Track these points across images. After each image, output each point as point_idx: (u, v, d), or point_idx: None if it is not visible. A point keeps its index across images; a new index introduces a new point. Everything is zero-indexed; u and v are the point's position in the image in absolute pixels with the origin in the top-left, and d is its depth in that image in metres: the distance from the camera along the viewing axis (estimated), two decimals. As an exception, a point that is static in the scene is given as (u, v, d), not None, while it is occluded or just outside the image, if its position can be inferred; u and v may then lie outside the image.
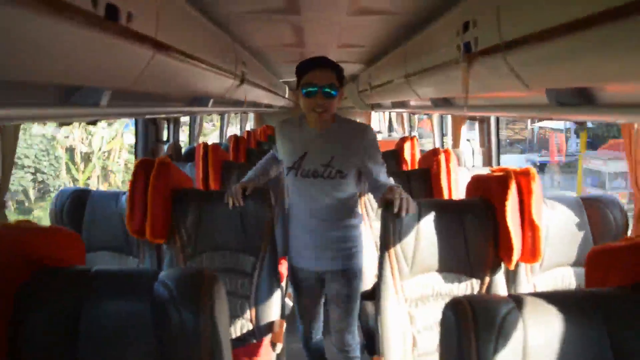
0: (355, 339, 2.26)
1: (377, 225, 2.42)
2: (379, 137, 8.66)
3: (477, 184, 2.17)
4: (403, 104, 3.56)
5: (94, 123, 1.77)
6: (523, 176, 1.99)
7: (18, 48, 0.89)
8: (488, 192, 2.05)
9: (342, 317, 2.22)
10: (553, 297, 1.14)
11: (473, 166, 3.77)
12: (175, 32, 1.42)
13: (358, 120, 2.30)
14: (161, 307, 1.15)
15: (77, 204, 2.40)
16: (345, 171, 2.08)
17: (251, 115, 9.16)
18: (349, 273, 2.18)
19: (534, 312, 1.09)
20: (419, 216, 1.97)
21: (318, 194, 2.11)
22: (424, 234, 1.97)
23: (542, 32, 1.07)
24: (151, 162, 2.25)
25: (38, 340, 1.14)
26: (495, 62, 1.32)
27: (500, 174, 2.03)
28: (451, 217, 2.00)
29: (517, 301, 1.10)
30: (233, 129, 8.62)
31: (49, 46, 0.96)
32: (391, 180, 2.11)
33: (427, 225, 1.98)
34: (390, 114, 8.25)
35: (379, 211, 2.09)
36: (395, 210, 1.86)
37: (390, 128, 8.33)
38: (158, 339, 1.14)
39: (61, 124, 1.76)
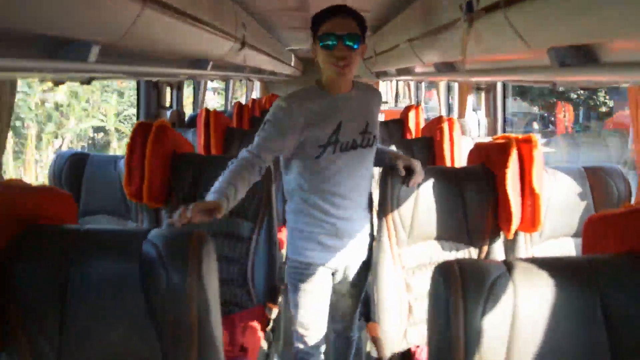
0: (357, 319, 2.14)
1: (375, 192, 2.40)
2: (386, 107, 8.60)
3: (478, 151, 2.13)
4: (408, 71, 3.50)
5: (87, 82, 1.75)
6: (525, 144, 1.95)
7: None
8: (489, 159, 2.02)
9: (353, 306, 2.06)
10: (546, 263, 1.12)
11: (478, 136, 3.72)
12: (166, -14, 1.38)
13: None
14: (149, 266, 1.14)
15: (75, 168, 2.39)
16: (377, 136, 1.88)
17: (257, 85, 9.09)
18: (369, 263, 1.99)
19: (525, 277, 1.07)
20: (418, 183, 1.94)
21: (354, 168, 1.82)
22: (423, 202, 1.95)
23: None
24: (150, 126, 2.23)
25: (26, 296, 1.14)
26: (497, 20, 1.27)
27: (502, 141, 1.99)
28: (451, 184, 1.97)
29: (509, 266, 1.08)
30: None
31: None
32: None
33: (426, 192, 1.95)
34: (397, 84, 8.14)
35: (378, 178, 2.06)
36: (410, 184, 1.87)
37: (397, 98, 8.23)
38: (146, 298, 1.14)
39: (55, 83, 1.73)
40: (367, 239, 1.96)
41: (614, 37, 1.05)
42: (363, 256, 1.96)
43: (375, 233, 1.99)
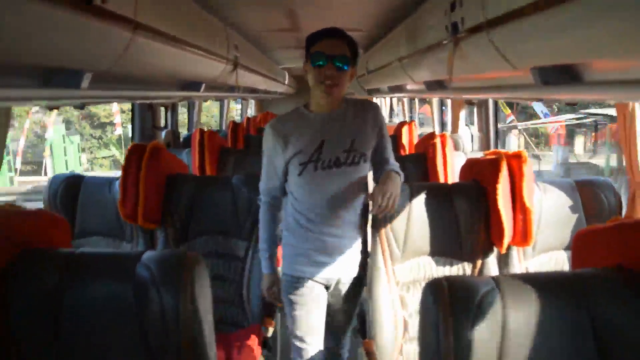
0: (348, 337, 2.13)
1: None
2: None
3: (470, 167, 2.16)
4: (399, 88, 3.54)
5: (81, 107, 1.77)
6: (515, 159, 1.98)
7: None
8: (480, 175, 2.04)
9: (345, 322, 2.05)
10: (534, 278, 1.13)
11: (471, 151, 3.75)
12: (157, 14, 1.40)
13: None
14: (142, 289, 1.15)
15: (70, 190, 2.40)
16: (367, 153, 1.87)
17: (252, 102, 9.15)
18: (361, 279, 1.98)
19: (514, 293, 1.08)
20: (411, 199, 1.96)
21: (339, 186, 1.83)
22: (416, 218, 1.96)
23: (525, 8, 1.06)
24: (144, 148, 2.25)
25: (21, 320, 1.14)
26: (481, 41, 1.30)
27: (493, 157, 2.01)
28: (443, 200, 1.99)
29: (498, 282, 1.09)
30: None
31: (23, 27, 0.95)
32: (395, 165, 1.95)
33: (419, 208, 1.97)
34: (391, 100, 8.21)
35: None
36: (373, 212, 1.82)
37: (391, 114, 8.29)
38: (140, 321, 1.15)
39: (49, 108, 1.76)
40: (358, 256, 1.94)
41: (595, 57, 1.08)
42: (354, 272, 1.95)
43: (369, 250, 1.99)
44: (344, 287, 1.96)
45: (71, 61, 1.14)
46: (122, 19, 1.17)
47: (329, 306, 1.98)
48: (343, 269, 1.91)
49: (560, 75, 1.21)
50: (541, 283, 1.13)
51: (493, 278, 1.11)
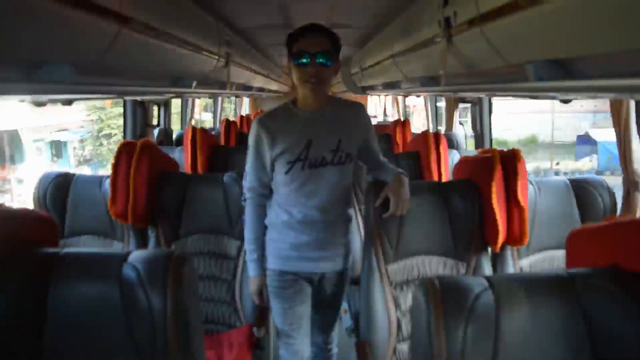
0: (336, 333, 2.14)
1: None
2: (374, 121, 8.64)
3: (464, 165, 2.14)
4: (393, 85, 3.51)
5: (69, 103, 1.73)
6: (509, 158, 1.96)
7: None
8: (474, 173, 2.02)
9: (331, 317, 2.07)
10: (528, 278, 1.11)
11: (465, 149, 3.74)
12: (144, 7, 1.37)
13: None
14: (129, 289, 1.13)
15: (60, 189, 2.36)
16: (353, 154, 1.88)
17: (247, 100, 9.10)
18: (346, 273, 2.00)
19: (507, 293, 1.06)
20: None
21: (324, 184, 1.84)
22: (409, 216, 1.94)
23: (518, 2, 1.03)
24: (134, 145, 2.22)
25: (5, 321, 1.12)
26: (474, 35, 1.28)
27: (487, 155, 1.99)
28: (436, 199, 1.97)
29: (491, 282, 1.07)
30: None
31: (6, 20, 0.93)
32: (389, 163, 2.00)
33: (412, 207, 1.94)
34: (385, 99, 8.19)
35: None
36: (386, 215, 1.86)
37: (385, 112, 8.27)
38: (126, 321, 1.13)
39: (36, 104, 1.72)
40: (341, 251, 1.95)
41: (589, 52, 1.06)
42: (337, 267, 1.95)
43: (352, 239, 2.00)
44: (328, 282, 1.96)
45: (55, 54, 1.11)
46: (107, 12, 1.14)
47: (314, 302, 1.99)
48: (326, 264, 1.92)
49: (554, 70, 1.19)
50: (535, 283, 1.11)
51: (486, 278, 1.09)
